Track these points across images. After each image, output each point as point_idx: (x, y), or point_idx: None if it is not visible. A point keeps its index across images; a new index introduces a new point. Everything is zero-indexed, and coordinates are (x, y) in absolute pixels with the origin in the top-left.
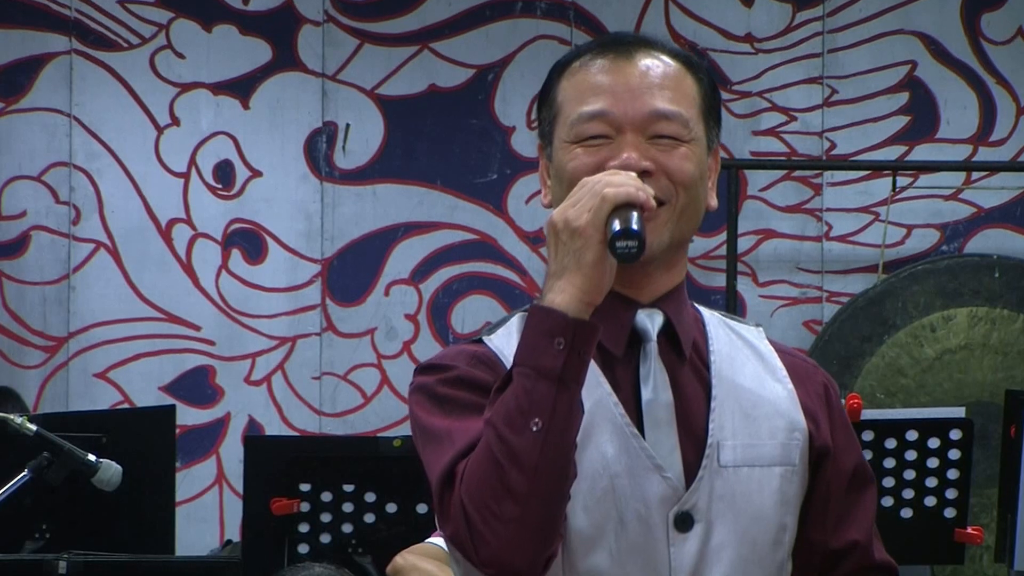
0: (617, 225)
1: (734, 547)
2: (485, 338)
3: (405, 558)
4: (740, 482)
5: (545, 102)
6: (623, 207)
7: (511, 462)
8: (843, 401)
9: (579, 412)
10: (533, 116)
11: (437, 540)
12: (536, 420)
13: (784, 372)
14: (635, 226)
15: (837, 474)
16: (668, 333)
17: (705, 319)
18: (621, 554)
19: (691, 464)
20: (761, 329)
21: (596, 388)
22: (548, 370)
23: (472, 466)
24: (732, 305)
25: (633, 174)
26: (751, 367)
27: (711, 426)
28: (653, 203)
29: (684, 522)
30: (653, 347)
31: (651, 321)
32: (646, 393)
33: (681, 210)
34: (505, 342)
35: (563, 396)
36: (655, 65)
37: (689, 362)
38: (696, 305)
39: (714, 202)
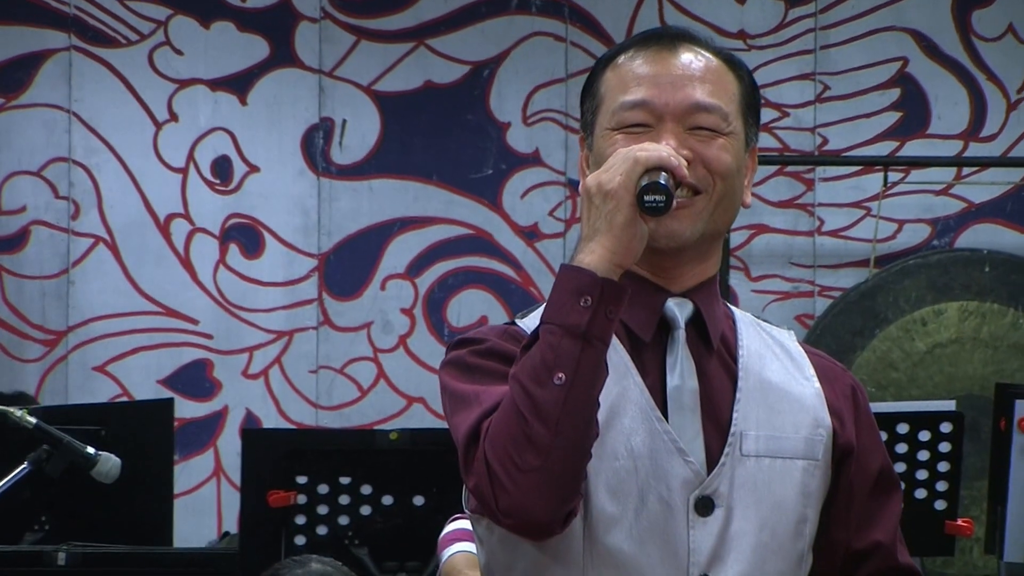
0: (646, 180)
1: (754, 534)
2: (518, 320)
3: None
4: (762, 472)
5: (588, 93)
6: (654, 170)
7: (534, 414)
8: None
9: (604, 370)
10: (530, 112)
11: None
12: (560, 375)
13: (812, 372)
14: (663, 181)
15: (861, 474)
16: (697, 323)
17: (736, 316)
18: (641, 534)
19: (714, 451)
20: (792, 333)
21: (623, 372)
22: (574, 326)
23: (496, 420)
24: (725, 299)
25: (668, 149)
26: (779, 364)
27: (735, 416)
28: (685, 170)
29: (705, 506)
30: (681, 335)
31: (680, 310)
32: (672, 379)
33: (717, 200)
34: (535, 324)
35: (588, 352)
36: (697, 59)
37: (717, 353)
38: (728, 305)
39: (749, 200)
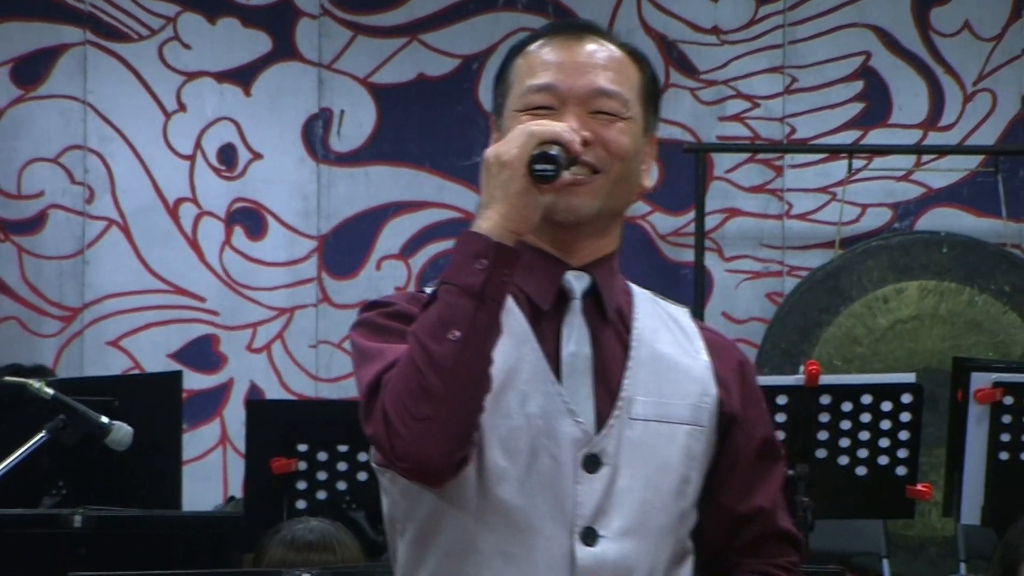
0: (537, 151)
1: (638, 491)
2: (427, 288)
3: None
4: (649, 434)
5: (500, 79)
6: (548, 143)
7: (429, 367)
8: (802, 369)
9: (497, 329)
10: None
11: None
12: (455, 332)
13: (702, 345)
14: (552, 152)
15: (746, 443)
16: (594, 295)
17: (634, 292)
18: (531, 488)
19: (604, 413)
20: (687, 310)
21: (523, 338)
22: (470, 287)
23: (395, 373)
24: (700, 278)
25: (562, 125)
26: (671, 337)
27: (625, 382)
28: (579, 146)
29: (592, 463)
30: (577, 305)
31: (578, 282)
32: (567, 346)
33: (615, 180)
34: None
35: (482, 311)
36: (601, 49)
37: (612, 324)
38: (629, 282)
39: (648, 182)
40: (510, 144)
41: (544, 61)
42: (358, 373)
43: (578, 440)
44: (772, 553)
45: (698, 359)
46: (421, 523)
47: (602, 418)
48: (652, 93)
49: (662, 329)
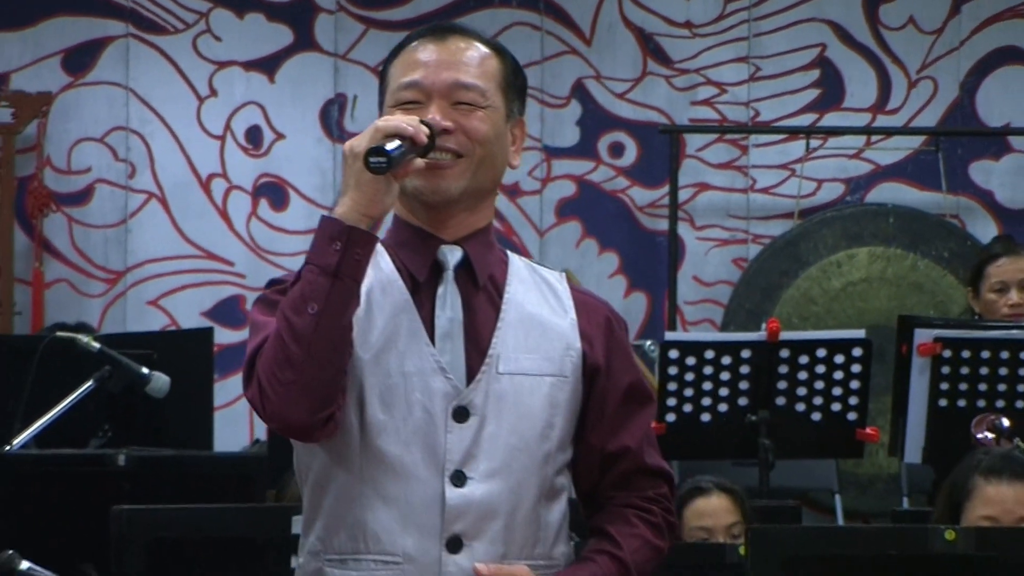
0: (375, 144)
1: (504, 437)
2: None
3: None
4: (514, 386)
5: (381, 79)
6: (392, 136)
7: (292, 338)
8: (764, 326)
9: (354, 302)
10: None
11: None
12: (313, 305)
13: (571, 305)
14: (386, 147)
15: (612, 389)
16: (467, 266)
17: (511, 260)
18: (407, 438)
19: (474, 370)
20: (563, 274)
21: (403, 306)
22: (327, 266)
23: (267, 343)
24: (674, 246)
25: (415, 118)
26: (542, 299)
27: (494, 341)
28: (423, 137)
29: (461, 414)
30: (450, 275)
31: (451, 255)
32: (440, 312)
33: (478, 163)
34: None
35: (338, 286)
36: (462, 47)
37: (484, 290)
38: (508, 252)
39: (516, 162)
40: (361, 137)
41: (413, 60)
42: (248, 344)
43: (448, 394)
44: (642, 487)
45: (566, 318)
46: (317, 472)
47: (472, 374)
48: (513, 83)
49: (534, 292)
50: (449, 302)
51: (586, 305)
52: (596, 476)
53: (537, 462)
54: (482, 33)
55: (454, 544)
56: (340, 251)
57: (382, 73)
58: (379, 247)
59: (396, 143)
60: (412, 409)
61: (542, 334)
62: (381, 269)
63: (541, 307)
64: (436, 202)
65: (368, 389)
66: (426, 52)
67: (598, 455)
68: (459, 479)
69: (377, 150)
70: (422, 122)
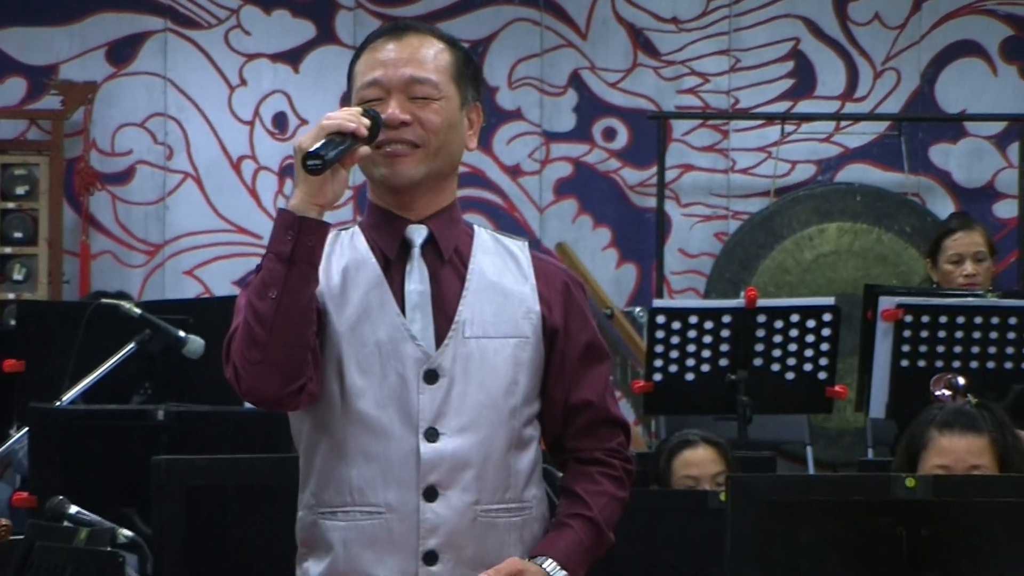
0: (321, 143)
1: (472, 396)
2: None
3: None
4: (480, 349)
5: (348, 78)
6: (336, 134)
7: (256, 321)
8: (743, 294)
9: (311, 284)
10: (513, 79)
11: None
12: (273, 290)
13: (531, 272)
14: (320, 150)
15: (571, 347)
16: (433, 242)
17: (476, 233)
18: (383, 400)
19: (442, 336)
20: (526, 243)
21: (376, 282)
22: (282, 253)
23: (238, 328)
24: (661, 221)
25: (357, 109)
26: (504, 267)
27: (461, 308)
28: (364, 130)
29: (431, 377)
30: (417, 252)
31: (417, 234)
32: (409, 285)
33: (435, 150)
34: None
35: (294, 271)
36: (418, 44)
37: (450, 263)
38: (474, 224)
39: (472, 144)
40: (307, 136)
41: (373, 60)
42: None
43: (419, 359)
44: (603, 436)
45: (526, 284)
46: (307, 436)
47: (440, 339)
48: (465, 73)
49: (497, 262)
50: (417, 275)
51: (546, 271)
52: (560, 427)
53: (504, 417)
54: (434, 29)
55: (430, 493)
56: (293, 239)
57: (350, 70)
58: (355, 229)
59: (334, 142)
60: (387, 374)
61: (504, 300)
62: (356, 249)
63: (503, 275)
64: (400, 186)
65: (346, 358)
66: (385, 51)
67: (561, 408)
68: (432, 435)
69: (312, 154)
70: (365, 112)
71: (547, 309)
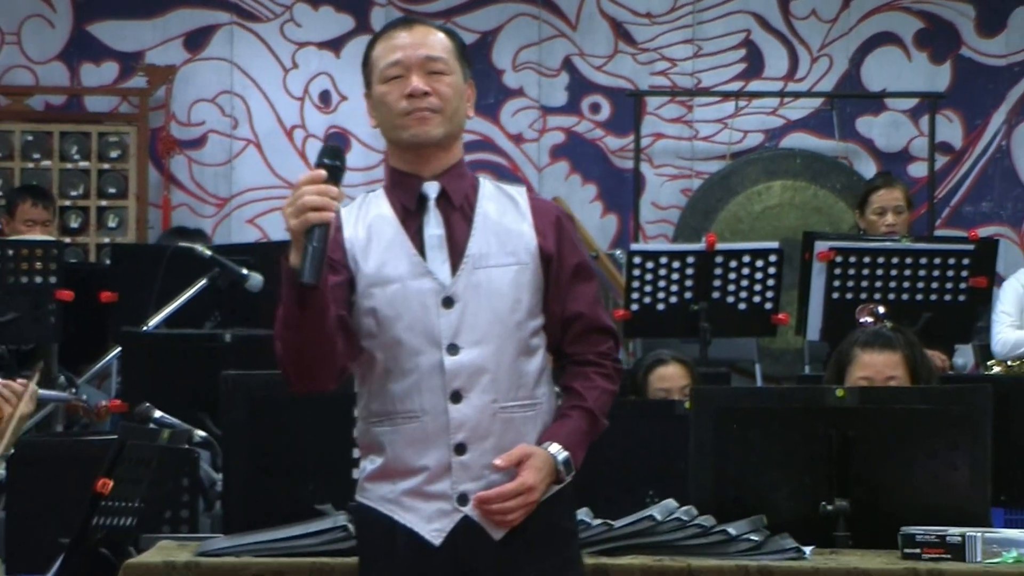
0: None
1: (483, 315)
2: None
3: None
4: (487, 277)
5: (365, 62)
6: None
7: (283, 350)
8: (704, 239)
9: (324, 314)
10: (517, 63)
11: None
12: (292, 328)
13: (528, 210)
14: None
15: (562, 269)
16: (445, 195)
17: (480, 184)
18: (411, 325)
19: (456, 269)
20: (523, 188)
21: (398, 230)
22: (291, 297)
23: (277, 342)
24: (637, 180)
25: (317, 173)
26: (505, 209)
27: (469, 245)
28: (330, 215)
29: (448, 303)
30: (432, 203)
31: (431, 189)
32: (427, 230)
33: (449, 115)
34: (347, 213)
35: (306, 313)
36: (426, 32)
37: (460, 210)
38: (479, 176)
39: (471, 112)
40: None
41: (392, 44)
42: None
43: (436, 290)
44: (594, 342)
45: (524, 221)
46: (363, 366)
47: (455, 271)
48: (463, 56)
49: (499, 205)
50: (434, 222)
51: (540, 208)
52: (559, 335)
53: (510, 329)
54: (434, 22)
55: (456, 396)
56: (295, 290)
57: (365, 58)
58: (380, 190)
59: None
60: (410, 304)
61: (506, 235)
62: (379, 207)
63: (504, 216)
64: (425, 143)
65: (378, 298)
66: (400, 38)
67: (558, 320)
68: (453, 350)
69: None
70: (320, 163)
71: (542, 239)
